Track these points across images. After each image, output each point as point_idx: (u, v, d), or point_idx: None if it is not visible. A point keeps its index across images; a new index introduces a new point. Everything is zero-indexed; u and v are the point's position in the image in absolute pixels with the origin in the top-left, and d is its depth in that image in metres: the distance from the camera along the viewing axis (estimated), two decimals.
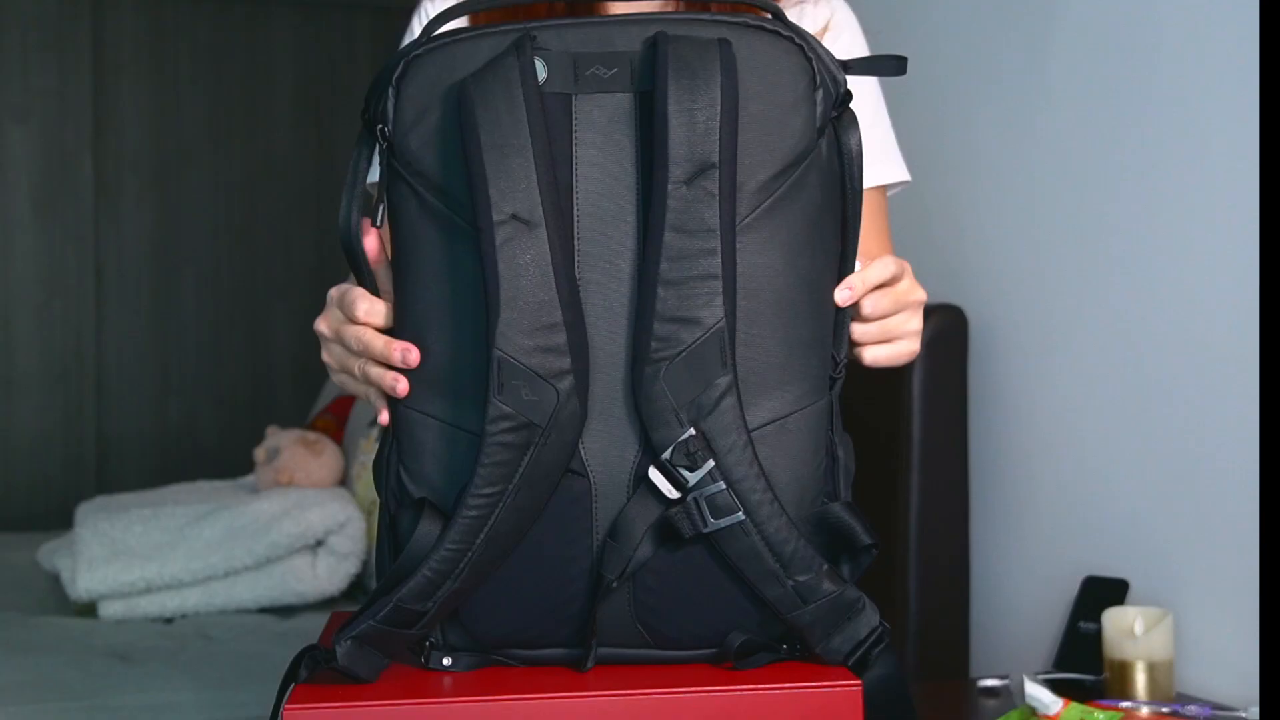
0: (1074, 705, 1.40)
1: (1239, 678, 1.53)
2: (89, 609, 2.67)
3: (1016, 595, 1.89)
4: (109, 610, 2.65)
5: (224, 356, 4.30)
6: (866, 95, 1.42)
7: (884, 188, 1.44)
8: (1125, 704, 1.47)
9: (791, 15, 1.39)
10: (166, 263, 4.27)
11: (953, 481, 1.91)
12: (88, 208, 4.21)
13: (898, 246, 2.13)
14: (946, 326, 1.91)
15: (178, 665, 2.27)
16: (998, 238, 1.92)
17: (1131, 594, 1.68)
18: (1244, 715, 1.42)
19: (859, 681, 0.95)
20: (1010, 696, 1.63)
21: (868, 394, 1.95)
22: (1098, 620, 1.62)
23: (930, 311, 1.91)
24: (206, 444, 4.24)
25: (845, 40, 1.41)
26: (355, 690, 0.93)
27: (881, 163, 1.42)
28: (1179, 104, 1.63)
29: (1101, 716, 1.36)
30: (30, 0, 4.14)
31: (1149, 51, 1.67)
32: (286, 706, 0.91)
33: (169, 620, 2.66)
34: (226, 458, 3.95)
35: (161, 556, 2.68)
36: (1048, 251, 1.83)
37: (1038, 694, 1.39)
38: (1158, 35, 1.66)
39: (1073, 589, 1.75)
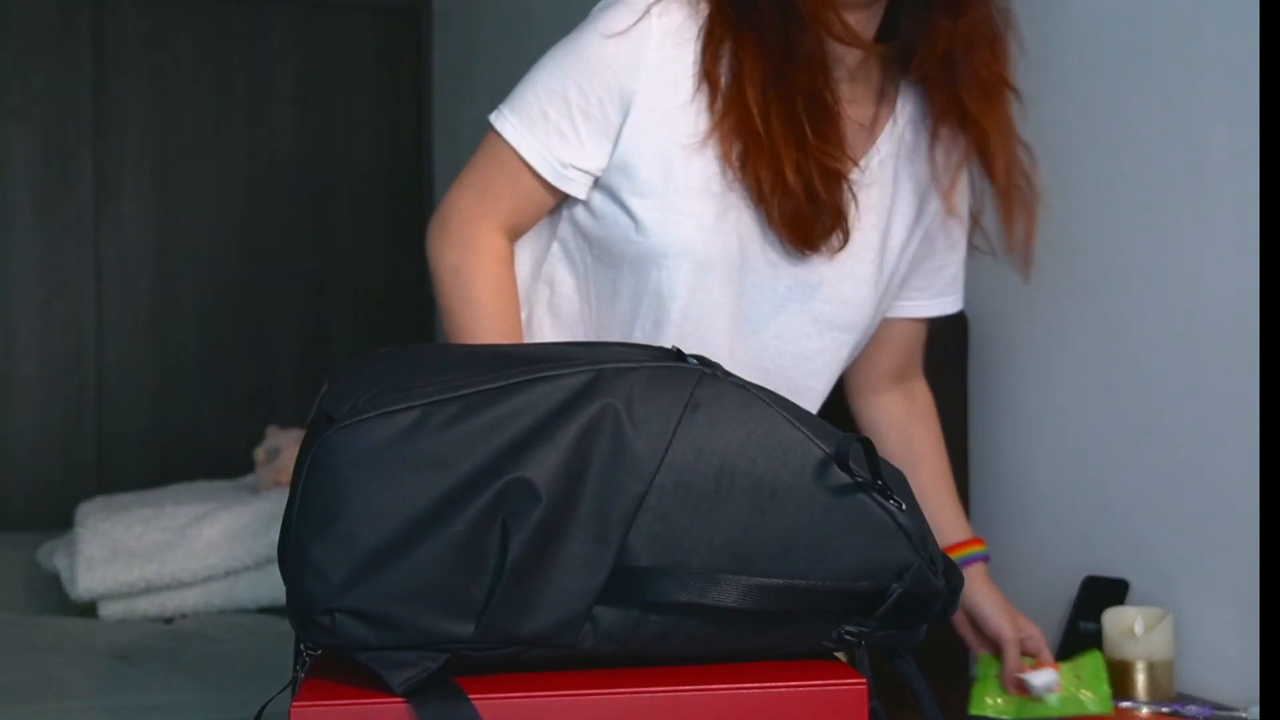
0: (1064, 665, 1.42)
1: (1239, 678, 1.53)
2: (89, 609, 2.68)
3: (1016, 595, 1.89)
4: (109, 610, 2.65)
5: (224, 356, 4.30)
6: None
7: None
8: (1125, 704, 1.48)
9: None
10: (166, 263, 4.26)
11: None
12: (88, 208, 4.21)
13: None
14: (946, 326, 1.90)
15: (178, 665, 2.27)
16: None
17: (1131, 594, 1.68)
18: (1244, 715, 1.43)
19: (864, 680, 0.95)
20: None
21: None
22: (1098, 620, 1.62)
23: None
24: (206, 444, 4.23)
25: None
26: (362, 687, 0.93)
27: None
28: (1179, 104, 1.63)
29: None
30: (30, 0, 4.14)
31: (1149, 51, 1.67)
32: (294, 705, 0.91)
33: (169, 620, 2.66)
34: (226, 458, 3.95)
35: (161, 556, 2.69)
36: (1048, 252, 1.83)
37: (1033, 679, 1.41)
38: (1157, 35, 1.66)
39: (1073, 589, 1.75)
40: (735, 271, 1.36)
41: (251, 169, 4.31)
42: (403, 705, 0.91)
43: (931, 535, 1.02)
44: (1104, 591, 1.69)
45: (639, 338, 1.37)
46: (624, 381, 0.98)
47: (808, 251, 1.35)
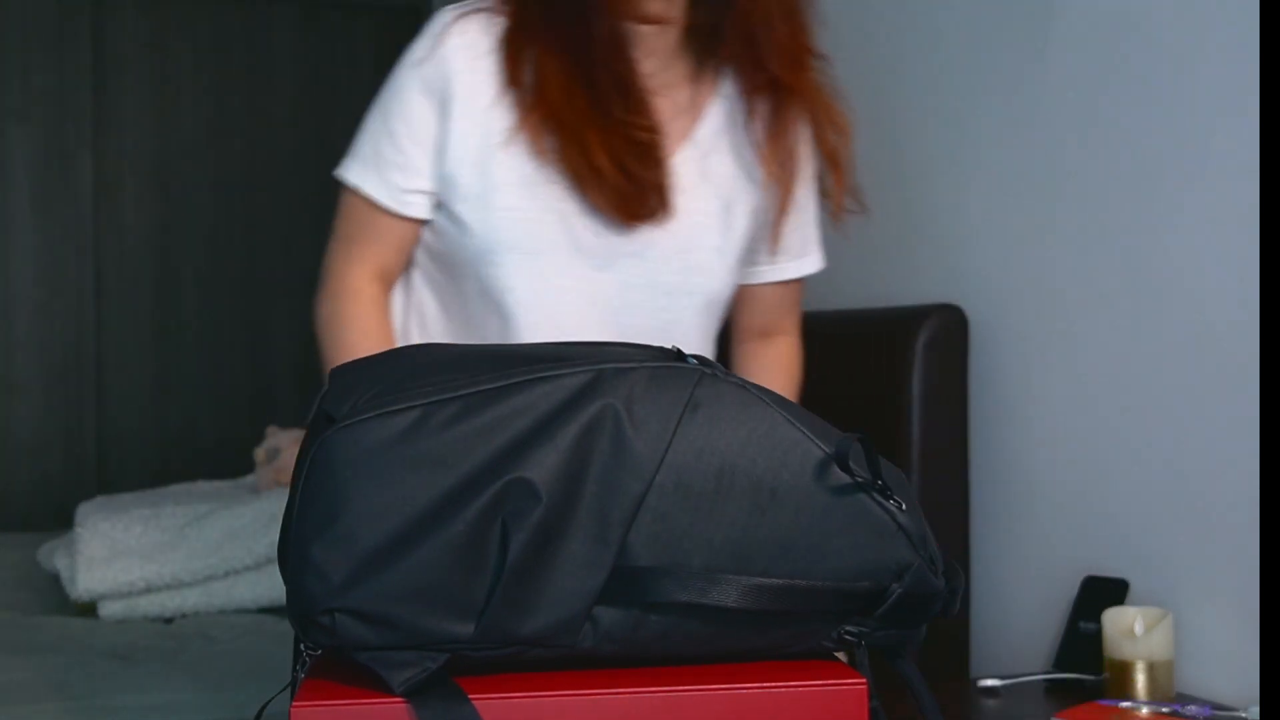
0: None
1: (1239, 678, 1.53)
2: (89, 609, 2.68)
3: (1016, 595, 1.89)
4: (109, 610, 2.65)
5: (224, 356, 4.30)
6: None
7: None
8: (1125, 704, 1.48)
9: None
10: (166, 263, 4.27)
11: (953, 481, 1.91)
12: (88, 208, 4.21)
13: (899, 245, 2.13)
14: (946, 326, 1.91)
15: (178, 665, 2.27)
16: (998, 238, 1.92)
17: (1131, 594, 1.68)
18: (1244, 715, 1.43)
19: (864, 680, 0.95)
20: (1011, 697, 1.63)
21: (868, 393, 1.95)
22: (1098, 620, 1.62)
23: (930, 311, 1.92)
24: (206, 444, 4.24)
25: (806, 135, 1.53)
26: (362, 687, 0.93)
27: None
28: (1179, 103, 1.63)
29: None
30: (30, 0, 4.14)
31: (1149, 51, 1.67)
32: (294, 705, 0.91)
33: (169, 620, 2.66)
34: (226, 458, 3.95)
35: (161, 556, 2.69)
36: (1048, 251, 1.83)
37: None
38: (1157, 35, 1.66)
39: (1073, 589, 1.75)
40: (568, 256, 1.42)
41: (251, 169, 4.32)
42: (403, 705, 0.91)
43: (931, 535, 1.02)
44: (1104, 591, 1.69)
45: (491, 337, 1.43)
46: (624, 381, 0.98)
47: (634, 225, 1.41)
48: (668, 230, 1.44)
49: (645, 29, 1.41)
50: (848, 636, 1.00)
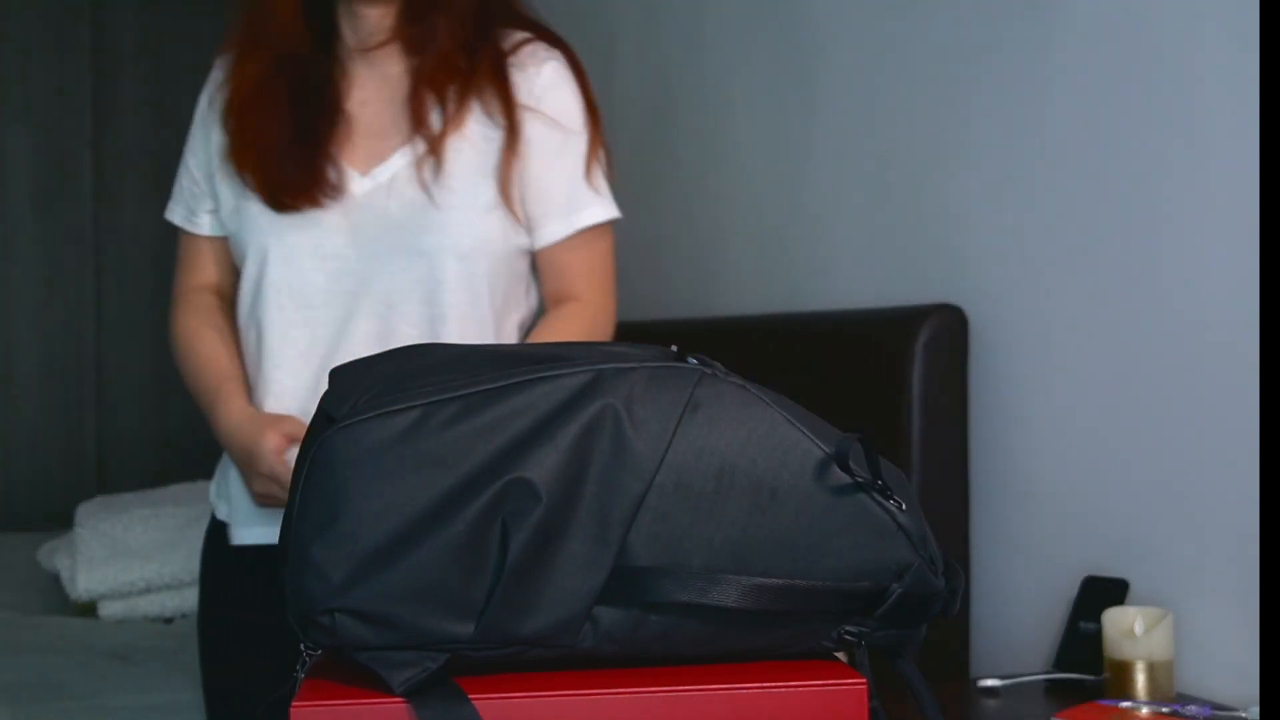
0: None
1: (1239, 678, 1.53)
2: (89, 609, 2.68)
3: (1016, 595, 1.89)
4: (109, 610, 2.65)
5: None
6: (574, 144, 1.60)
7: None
8: (1125, 704, 1.48)
9: (517, 76, 1.60)
10: (166, 263, 4.25)
11: (953, 481, 1.91)
12: (88, 208, 4.21)
13: (899, 245, 2.14)
14: (946, 326, 1.91)
15: (178, 665, 2.27)
16: (998, 238, 1.92)
17: (1131, 594, 1.68)
18: (1244, 715, 1.43)
19: (864, 680, 0.95)
20: (1011, 697, 1.63)
21: (868, 393, 1.95)
22: (1098, 620, 1.62)
23: (930, 311, 1.92)
24: (206, 444, 4.23)
25: (556, 96, 1.59)
26: (362, 687, 0.93)
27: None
28: (1179, 103, 1.63)
29: None
30: (30, 0, 4.14)
31: (1150, 50, 1.67)
32: (294, 705, 0.91)
33: (169, 620, 2.66)
34: None
35: (161, 556, 2.69)
36: (1049, 251, 1.83)
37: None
38: (1158, 33, 1.66)
39: (1073, 589, 1.75)
40: (305, 238, 1.57)
41: None
42: (403, 705, 0.91)
43: (931, 535, 1.03)
44: (1104, 591, 1.69)
45: (261, 319, 1.59)
46: (624, 381, 0.98)
47: (311, 209, 1.57)
48: (398, 196, 1.56)
49: (360, 44, 1.61)
50: (848, 636, 1.00)
